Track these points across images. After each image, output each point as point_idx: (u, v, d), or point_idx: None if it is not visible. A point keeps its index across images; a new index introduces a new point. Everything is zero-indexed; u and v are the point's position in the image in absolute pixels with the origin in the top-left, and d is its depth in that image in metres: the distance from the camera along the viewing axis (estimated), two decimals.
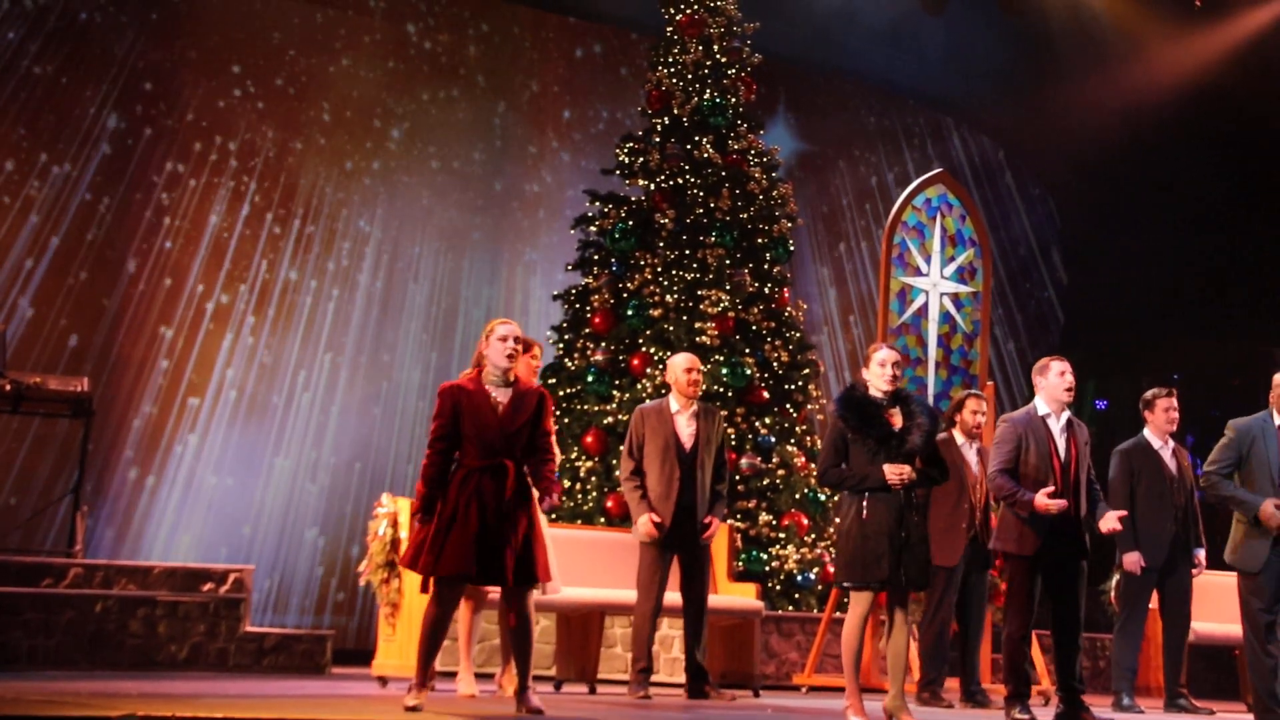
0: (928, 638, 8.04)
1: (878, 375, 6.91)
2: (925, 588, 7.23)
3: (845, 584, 6.93)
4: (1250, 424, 7.46)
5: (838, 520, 7.10)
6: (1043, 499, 7.06)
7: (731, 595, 9.23)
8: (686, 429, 7.85)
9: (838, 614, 9.90)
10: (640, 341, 12.16)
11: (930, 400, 9.64)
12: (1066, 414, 7.50)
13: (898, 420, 6.89)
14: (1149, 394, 8.39)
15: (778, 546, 11.69)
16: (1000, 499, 7.37)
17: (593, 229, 12.79)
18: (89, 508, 10.82)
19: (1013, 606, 7.42)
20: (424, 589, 6.54)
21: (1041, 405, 7.48)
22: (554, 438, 6.78)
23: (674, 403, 7.92)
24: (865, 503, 6.82)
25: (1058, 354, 7.55)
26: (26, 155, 13.10)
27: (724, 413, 9.13)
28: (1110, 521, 7.30)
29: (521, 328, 6.65)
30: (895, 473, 6.72)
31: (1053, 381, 7.45)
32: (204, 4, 14.24)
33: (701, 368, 8.23)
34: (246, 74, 14.36)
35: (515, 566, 6.29)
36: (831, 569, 11.64)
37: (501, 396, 6.43)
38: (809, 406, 12.59)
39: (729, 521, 10.00)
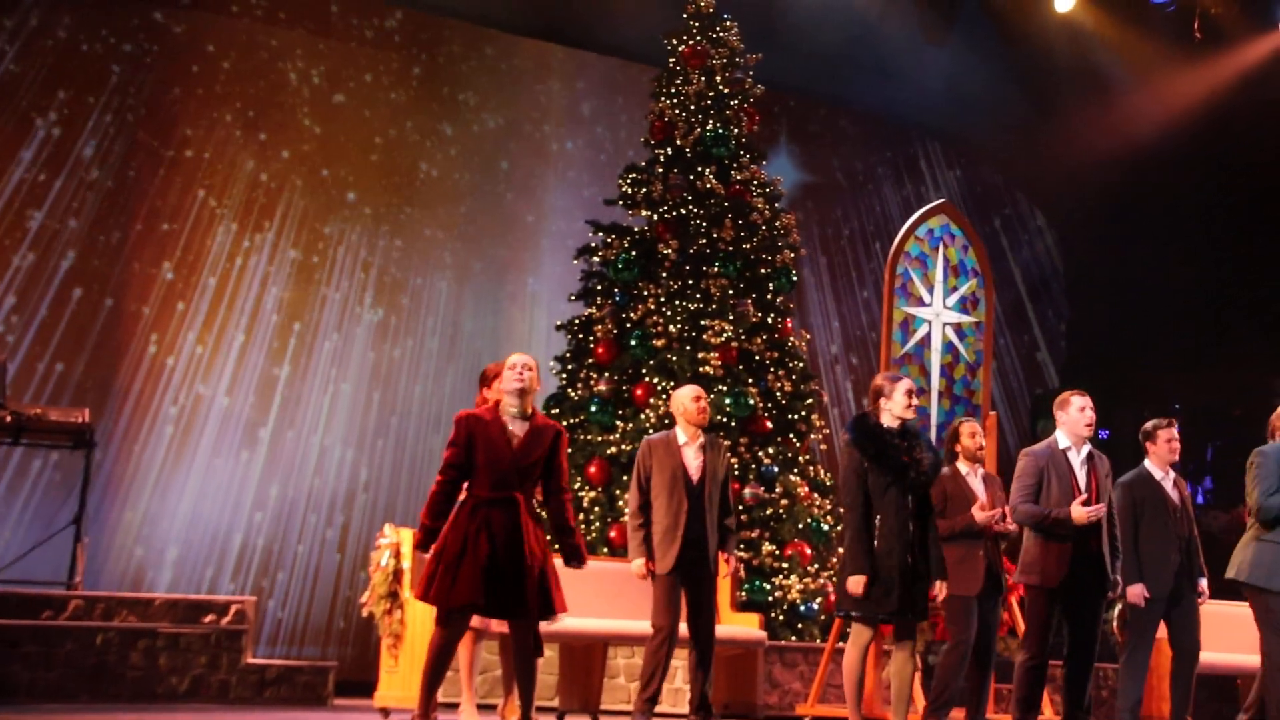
0: (947, 669, 8.01)
1: (902, 405, 7.04)
2: (926, 618, 7.30)
3: (853, 614, 6.95)
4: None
5: (842, 550, 7.13)
6: (1079, 509, 7.19)
7: (734, 625, 9.20)
8: (694, 460, 7.78)
9: (840, 644, 9.88)
10: (644, 371, 12.16)
11: (934, 430, 9.64)
12: (1087, 447, 7.58)
13: (906, 453, 6.98)
14: (1149, 425, 8.37)
15: (781, 576, 11.66)
16: (1031, 526, 7.44)
17: (596, 259, 12.80)
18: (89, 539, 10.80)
19: (1030, 637, 7.46)
20: (440, 621, 6.47)
21: (1062, 439, 7.57)
22: (566, 476, 6.74)
23: (681, 434, 7.86)
24: (879, 534, 6.87)
25: (1067, 386, 7.62)
26: (27, 185, 13.11)
27: (727, 443, 9.10)
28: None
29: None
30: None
31: (1073, 416, 7.56)
32: (205, 35, 14.26)
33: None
34: (247, 104, 14.38)
35: (533, 599, 6.28)
36: (835, 599, 11.61)
37: (518, 429, 6.44)
38: (812, 436, 12.58)
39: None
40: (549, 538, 6.65)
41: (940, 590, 7.30)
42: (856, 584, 6.90)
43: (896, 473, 6.96)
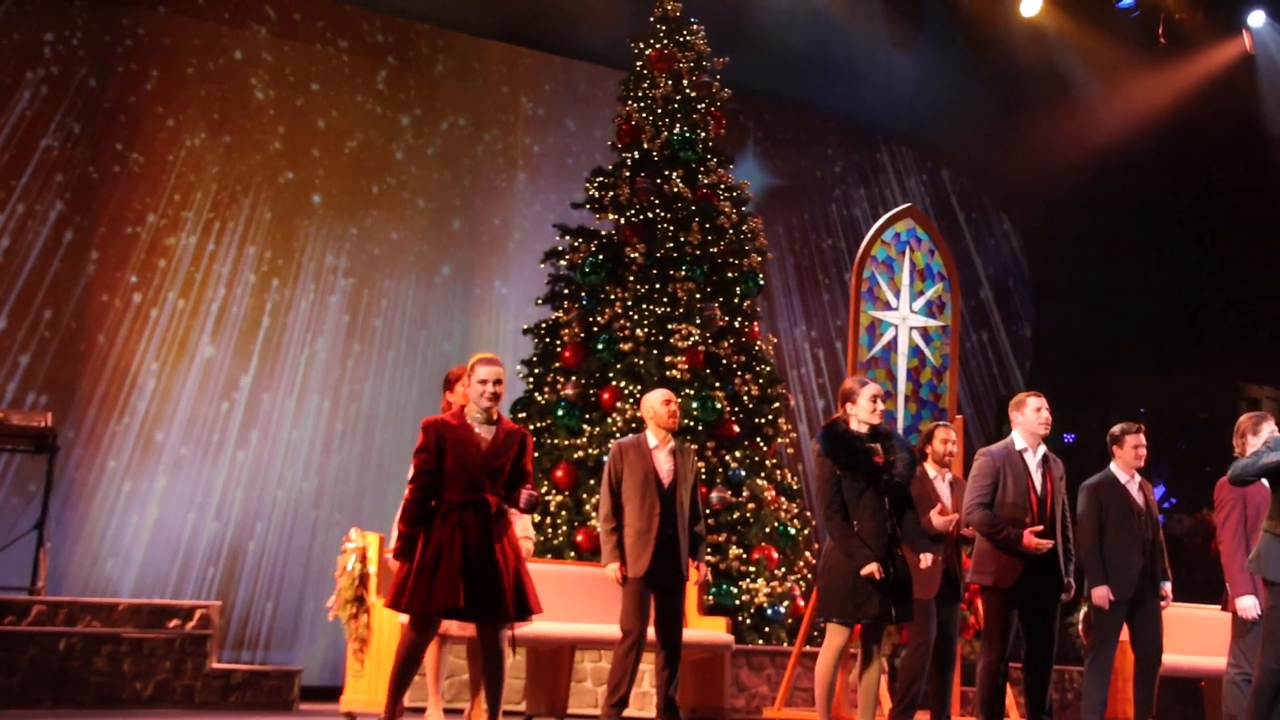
0: (909, 671, 8.04)
1: (867, 410, 7.07)
2: (909, 620, 7.31)
3: (835, 619, 6.96)
4: None
5: (819, 548, 7.13)
6: (1031, 538, 7.22)
7: (701, 629, 9.19)
8: (665, 464, 7.78)
9: (808, 647, 9.90)
10: (610, 375, 12.14)
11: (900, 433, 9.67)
12: (1043, 449, 7.60)
13: (879, 455, 6.99)
14: (1117, 429, 8.41)
15: (748, 580, 11.66)
16: (983, 533, 7.45)
17: (563, 263, 12.78)
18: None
19: (988, 639, 7.49)
20: (413, 625, 6.40)
21: (1018, 440, 7.60)
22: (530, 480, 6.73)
23: (651, 438, 7.86)
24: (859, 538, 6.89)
25: (1032, 389, 7.64)
26: None
27: (694, 447, 9.12)
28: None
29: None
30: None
31: (1029, 417, 7.59)
32: (170, 37, 14.16)
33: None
34: (214, 107, 14.28)
35: (511, 600, 6.29)
36: (801, 602, 11.63)
37: (485, 433, 6.45)
38: (779, 440, 12.60)
39: None
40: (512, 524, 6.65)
41: (924, 560, 7.33)
42: (872, 570, 6.84)
43: (870, 477, 6.97)
